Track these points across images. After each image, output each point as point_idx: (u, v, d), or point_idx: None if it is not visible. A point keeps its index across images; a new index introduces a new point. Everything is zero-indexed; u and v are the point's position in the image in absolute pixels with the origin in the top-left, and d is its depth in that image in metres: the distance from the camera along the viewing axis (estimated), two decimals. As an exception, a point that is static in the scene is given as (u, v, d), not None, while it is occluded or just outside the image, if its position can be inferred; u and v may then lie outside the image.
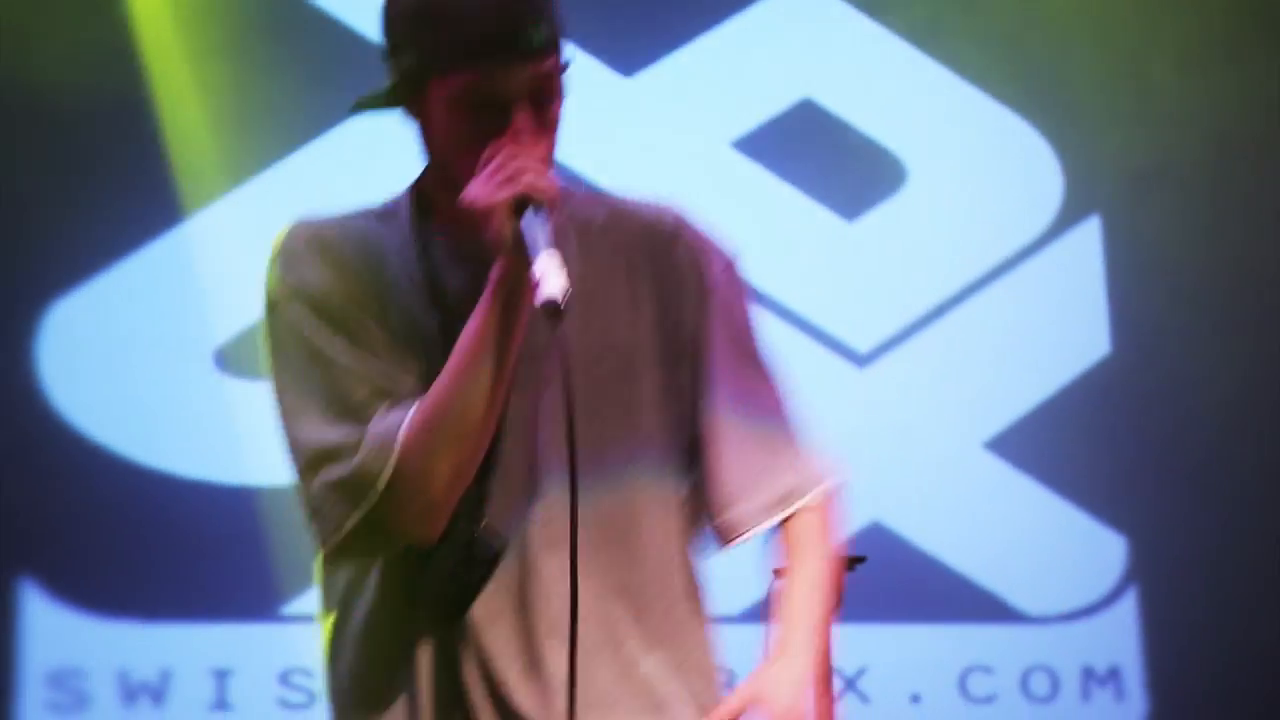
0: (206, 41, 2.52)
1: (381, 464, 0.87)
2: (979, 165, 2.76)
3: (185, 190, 2.49)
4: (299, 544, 2.29)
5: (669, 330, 0.98)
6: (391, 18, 0.91)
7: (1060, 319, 2.71)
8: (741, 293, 1.03)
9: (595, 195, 1.12)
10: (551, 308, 0.74)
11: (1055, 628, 2.63)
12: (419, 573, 0.95)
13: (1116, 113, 2.76)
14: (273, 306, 0.95)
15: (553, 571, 0.92)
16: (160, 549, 2.45)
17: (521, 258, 0.79)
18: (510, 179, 0.81)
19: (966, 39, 2.71)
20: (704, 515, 1.00)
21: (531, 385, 0.94)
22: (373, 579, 0.98)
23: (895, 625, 2.57)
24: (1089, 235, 2.74)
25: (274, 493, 2.36)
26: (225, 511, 2.49)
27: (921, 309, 2.67)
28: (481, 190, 0.81)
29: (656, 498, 0.97)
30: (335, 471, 0.90)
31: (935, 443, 2.62)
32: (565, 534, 0.85)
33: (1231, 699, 2.64)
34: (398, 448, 0.86)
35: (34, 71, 2.48)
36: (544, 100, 0.87)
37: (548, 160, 0.89)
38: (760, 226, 2.47)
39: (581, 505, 0.85)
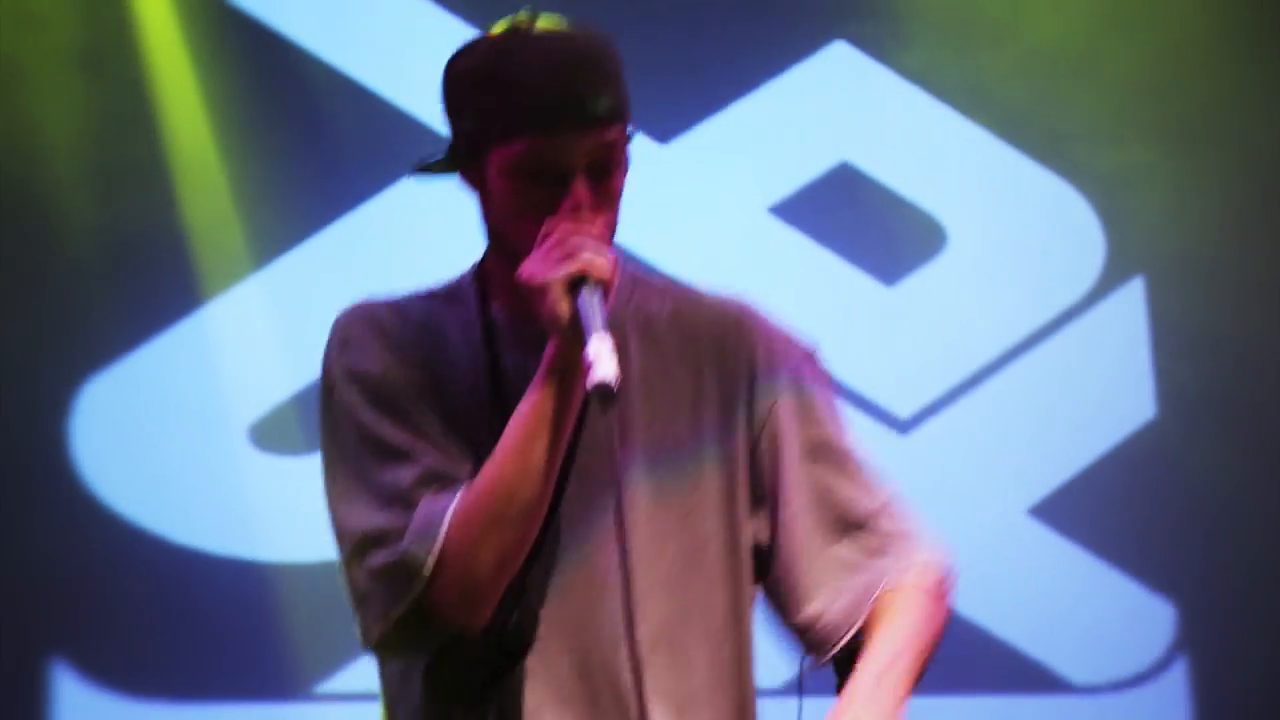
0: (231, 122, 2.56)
1: (427, 549, 0.85)
2: (1019, 227, 2.74)
3: (208, 271, 2.52)
4: (331, 622, 2.28)
5: (733, 427, 0.96)
6: (453, 80, 0.90)
7: (1104, 382, 2.68)
8: (822, 385, 0.99)
9: (662, 283, 1.10)
10: (603, 391, 0.73)
11: (1104, 698, 2.60)
12: (458, 667, 0.92)
13: (1160, 172, 2.75)
14: (329, 389, 0.96)
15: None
16: (192, 627, 2.44)
17: (576, 338, 0.78)
18: (568, 255, 0.79)
19: (1004, 100, 2.71)
20: (784, 626, 0.96)
21: (592, 478, 0.91)
22: (417, 673, 0.94)
23: (940, 697, 2.53)
24: (1133, 296, 2.72)
25: (305, 570, 2.36)
26: (256, 588, 2.48)
27: (963, 374, 2.64)
28: (538, 267, 0.80)
29: (715, 604, 0.94)
30: (380, 557, 0.88)
31: (979, 509, 2.58)
32: (619, 635, 0.84)
33: (1287, 770, 2.60)
34: (443, 531, 0.85)
35: (53, 156, 2.51)
36: (605, 171, 0.86)
37: (608, 235, 0.87)
38: (798, 292, 2.46)
39: (637, 607, 0.81)
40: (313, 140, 2.63)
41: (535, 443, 0.86)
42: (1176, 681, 2.60)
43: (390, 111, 2.60)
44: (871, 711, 0.86)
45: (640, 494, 0.90)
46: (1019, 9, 2.78)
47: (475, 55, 0.90)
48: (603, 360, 0.74)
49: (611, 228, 0.88)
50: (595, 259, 0.78)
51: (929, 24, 2.78)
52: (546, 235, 0.82)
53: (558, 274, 0.78)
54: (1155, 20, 2.94)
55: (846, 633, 0.88)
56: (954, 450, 2.64)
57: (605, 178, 0.87)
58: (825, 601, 0.89)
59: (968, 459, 2.64)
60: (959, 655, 2.61)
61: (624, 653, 0.80)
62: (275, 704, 2.48)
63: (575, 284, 0.78)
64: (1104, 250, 2.78)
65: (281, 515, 2.40)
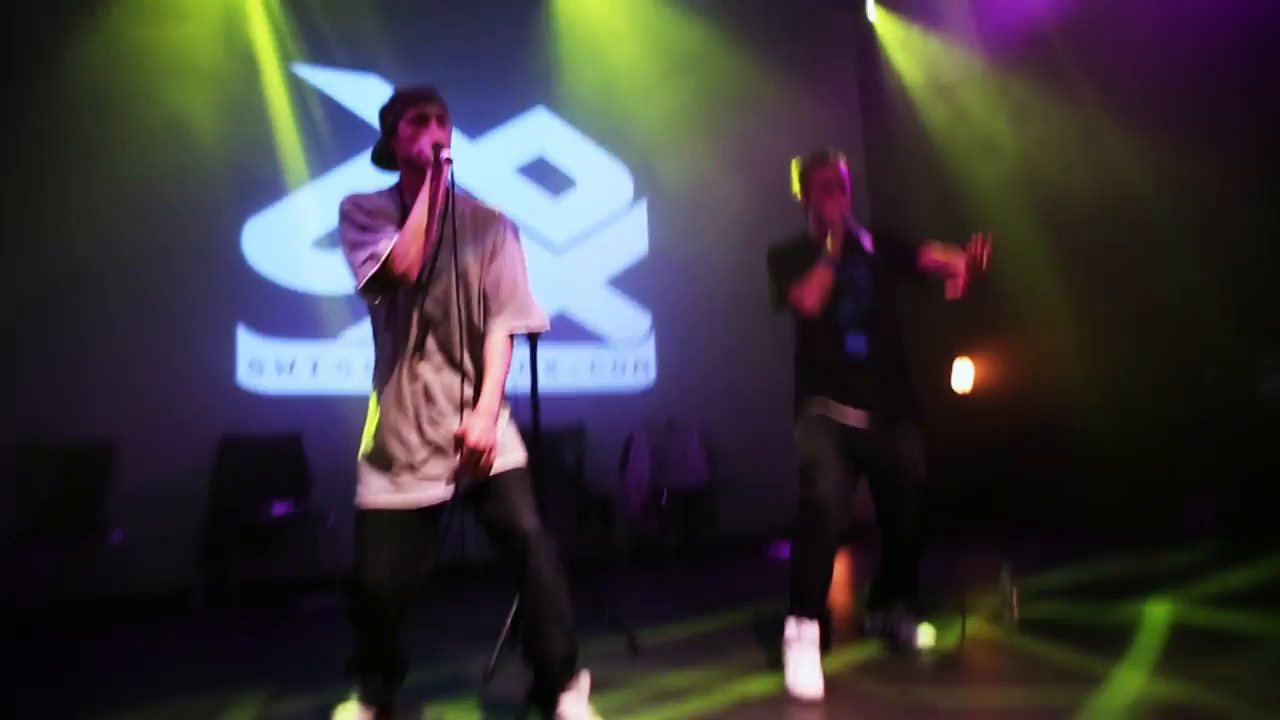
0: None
1: (387, 249, 2.22)
2: (603, 177, 6.76)
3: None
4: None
5: (486, 250, 2.41)
6: (388, 102, 2.38)
7: (628, 236, 6.87)
8: (516, 238, 2.46)
9: (469, 198, 2.47)
10: (447, 157, 2.24)
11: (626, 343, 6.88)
12: (395, 311, 2.36)
13: (666, 155, 6.94)
14: (344, 214, 2.33)
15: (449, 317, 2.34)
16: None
17: (437, 164, 2.23)
18: (433, 137, 2.27)
19: (599, 122, 6.82)
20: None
21: (441, 269, 2.34)
22: (382, 335, 2.43)
23: (564, 345, 6.71)
24: (642, 209, 6.83)
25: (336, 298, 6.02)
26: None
27: (581, 230, 6.65)
28: (422, 147, 2.28)
29: (476, 303, 2.38)
30: (365, 252, 2.25)
31: (585, 285, 6.74)
32: (452, 300, 2.35)
33: None
34: (393, 242, 2.23)
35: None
36: (444, 120, 2.32)
37: (448, 139, 2.29)
38: (527, 208, 6.42)
39: (458, 291, 2.33)
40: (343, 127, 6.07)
41: (422, 206, 2.27)
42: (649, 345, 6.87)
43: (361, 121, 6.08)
44: (486, 417, 2.31)
45: (462, 273, 2.35)
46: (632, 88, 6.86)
47: (396, 94, 2.38)
48: (447, 154, 2.24)
49: (449, 138, 2.30)
50: (442, 140, 2.25)
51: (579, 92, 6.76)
52: (422, 137, 2.28)
53: (429, 144, 2.26)
54: (694, 64, 6.92)
55: (502, 332, 2.38)
56: (579, 262, 6.71)
57: (444, 121, 2.32)
58: (490, 323, 2.39)
59: (580, 264, 6.73)
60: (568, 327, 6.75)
61: (455, 310, 2.36)
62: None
63: (435, 149, 2.24)
64: (631, 190, 6.89)
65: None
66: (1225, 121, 5.79)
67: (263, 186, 5.62)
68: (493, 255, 2.41)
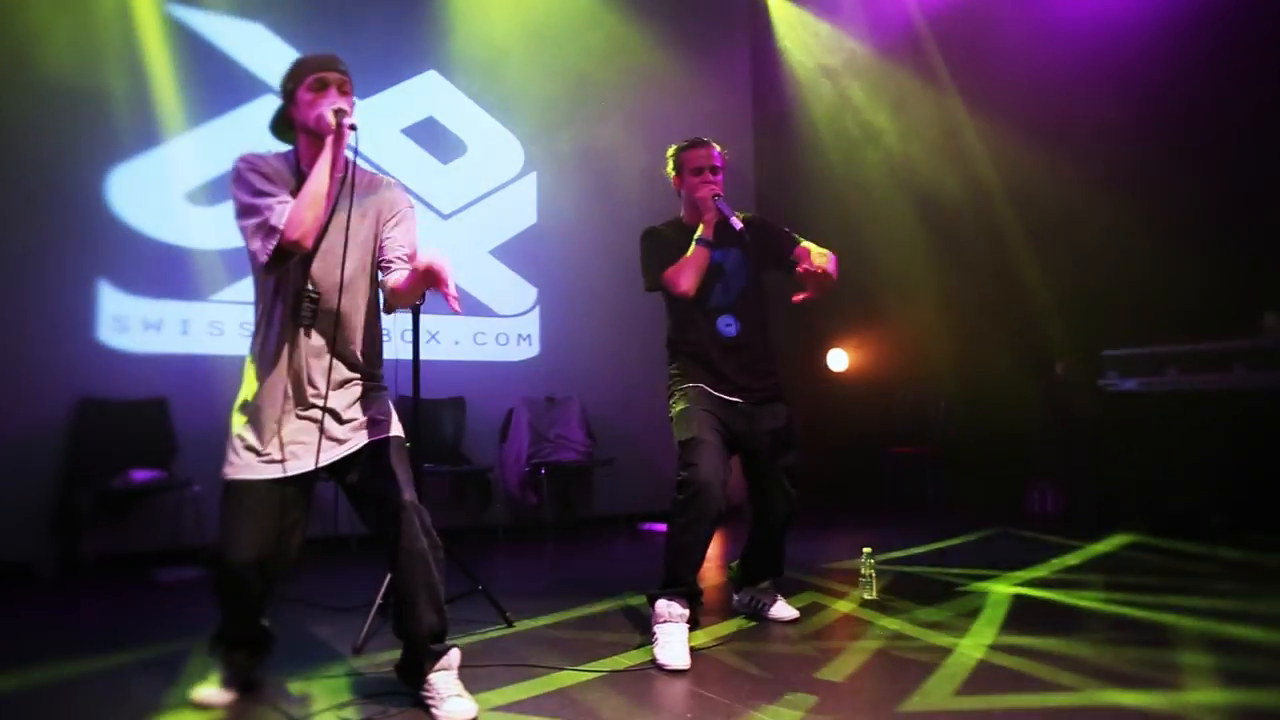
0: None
1: (281, 220, 2.15)
2: (494, 144, 6.69)
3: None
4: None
5: (382, 221, 2.39)
6: (290, 68, 2.31)
7: (515, 203, 6.81)
8: (409, 210, 2.42)
9: (368, 173, 2.45)
10: (350, 124, 2.20)
11: (519, 317, 6.85)
12: (286, 280, 2.30)
13: (550, 123, 6.89)
14: (237, 175, 2.24)
15: (336, 287, 2.29)
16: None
17: (339, 134, 2.21)
18: (333, 103, 2.23)
19: (484, 92, 6.74)
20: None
21: (333, 239, 2.30)
22: (266, 303, 2.34)
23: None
24: (530, 181, 6.77)
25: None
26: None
27: (472, 198, 6.58)
28: (323, 113, 2.22)
29: (368, 271, 2.40)
30: (260, 219, 2.17)
31: (473, 251, 6.68)
32: (338, 268, 2.29)
33: None
34: (288, 210, 2.16)
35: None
36: (344, 87, 2.28)
37: (350, 106, 2.24)
38: (417, 174, 6.31)
39: (348, 259, 2.30)
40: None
41: (322, 173, 2.20)
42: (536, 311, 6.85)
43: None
44: (426, 255, 2.07)
45: (356, 245, 2.32)
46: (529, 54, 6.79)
47: (299, 62, 2.30)
48: (350, 120, 2.21)
49: (351, 105, 2.25)
50: (344, 107, 2.22)
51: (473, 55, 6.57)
52: (322, 103, 2.23)
53: (329, 108, 2.21)
54: (588, 36, 6.87)
55: (398, 287, 2.22)
56: (466, 229, 6.65)
57: (345, 91, 2.28)
58: (394, 279, 2.27)
59: (467, 232, 6.67)
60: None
61: (340, 277, 2.30)
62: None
63: (337, 115, 2.20)
64: (522, 159, 6.84)
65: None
66: (1079, 124, 6.15)
67: (131, 133, 5.29)
68: (396, 222, 2.38)
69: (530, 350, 6.68)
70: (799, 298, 3.03)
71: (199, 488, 4.84)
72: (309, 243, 2.20)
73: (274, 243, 2.15)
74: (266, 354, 2.31)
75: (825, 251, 3.03)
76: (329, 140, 2.21)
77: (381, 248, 2.37)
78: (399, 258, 2.33)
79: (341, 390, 2.36)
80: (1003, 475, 6.78)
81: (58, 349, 4.96)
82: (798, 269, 3.03)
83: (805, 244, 3.24)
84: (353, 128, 2.19)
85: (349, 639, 3.11)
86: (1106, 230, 6.00)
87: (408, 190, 2.53)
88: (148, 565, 4.80)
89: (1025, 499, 6.56)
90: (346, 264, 2.29)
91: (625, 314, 6.68)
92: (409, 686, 2.42)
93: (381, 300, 2.41)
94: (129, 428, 4.99)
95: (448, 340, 6.30)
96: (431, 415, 5.81)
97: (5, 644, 3.31)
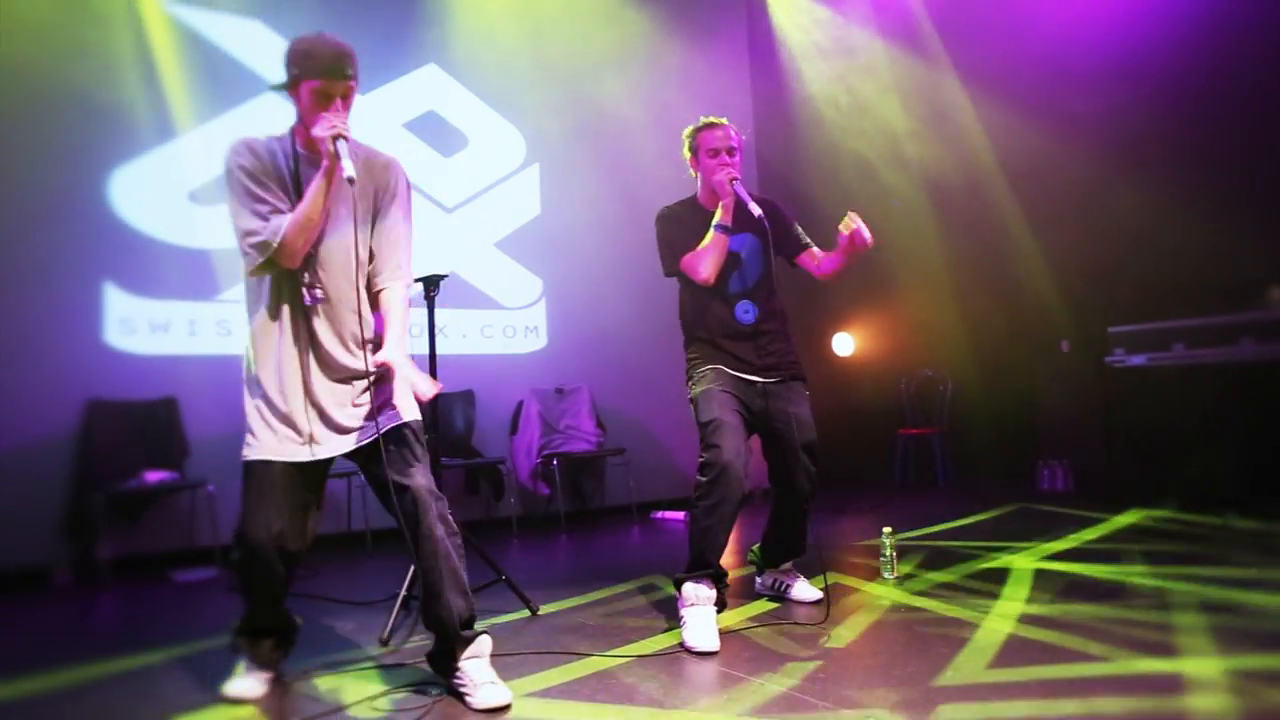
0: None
1: (275, 236, 2.12)
2: (497, 138, 6.66)
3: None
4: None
5: (379, 205, 2.33)
6: (292, 51, 2.12)
7: (520, 195, 6.81)
8: (407, 193, 2.38)
9: (365, 148, 2.36)
10: (349, 179, 2.06)
11: (521, 310, 6.81)
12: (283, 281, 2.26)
13: (549, 116, 6.85)
14: (229, 171, 2.15)
15: (342, 295, 2.25)
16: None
17: (335, 159, 2.07)
18: (332, 126, 2.07)
19: (495, 87, 6.70)
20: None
21: (339, 219, 2.25)
22: (267, 286, 2.27)
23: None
24: (533, 171, 6.74)
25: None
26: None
27: (476, 191, 6.52)
28: (322, 130, 2.09)
29: (368, 246, 2.33)
30: (255, 239, 2.13)
31: (474, 245, 6.65)
32: (352, 276, 2.26)
33: None
34: (283, 229, 2.10)
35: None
36: (347, 96, 2.15)
37: (347, 121, 2.13)
38: (417, 159, 6.25)
39: (351, 250, 2.25)
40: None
41: (316, 198, 2.15)
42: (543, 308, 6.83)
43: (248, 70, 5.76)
44: (402, 355, 2.21)
45: (360, 225, 2.22)
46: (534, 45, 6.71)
47: (302, 42, 2.07)
48: (348, 167, 2.05)
49: (347, 119, 2.15)
50: (343, 130, 2.08)
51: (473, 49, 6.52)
52: (323, 119, 2.10)
53: (329, 133, 2.07)
54: (590, 27, 6.78)
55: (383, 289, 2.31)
56: (470, 223, 6.61)
57: (347, 99, 2.15)
58: (383, 279, 2.33)
59: (471, 225, 6.64)
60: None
61: (351, 278, 2.26)
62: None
63: (335, 138, 2.05)
64: (524, 151, 6.79)
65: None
66: (1085, 102, 6.14)
67: (134, 134, 5.25)
68: (392, 201, 2.34)
69: (538, 342, 6.65)
70: (829, 268, 3.08)
71: (213, 487, 4.82)
72: (298, 261, 2.20)
73: (263, 258, 2.15)
74: (271, 344, 2.27)
75: (853, 219, 3.01)
76: (324, 165, 2.14)
77: (373, 254, 2.34)
78: (387, 277, 2.35)
79: (344, 384, 2.33)
80: (1014, 454, 6.78)
81: (65, 352, 4.91)
82: (841, 237, 3.00)
83: (810, 252, 3.29)
84: (351, 181, 2.11)
85: (374, 632, 3.10)
86: (1112, 208, 5.99)
87: (410, 184, 2.48)
88: (164, 567, 4.79)
89: (1037, 476, 6.55)
90: (350, 252, 2.27)
91: (632, 302, 6.67)
92: (441, 675, 2.41)
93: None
94: (139, 430, 4.96)
95: (455, 334, 6.28)
96: (441, 409, 5.79)
97: (29, 647, 3.28)
